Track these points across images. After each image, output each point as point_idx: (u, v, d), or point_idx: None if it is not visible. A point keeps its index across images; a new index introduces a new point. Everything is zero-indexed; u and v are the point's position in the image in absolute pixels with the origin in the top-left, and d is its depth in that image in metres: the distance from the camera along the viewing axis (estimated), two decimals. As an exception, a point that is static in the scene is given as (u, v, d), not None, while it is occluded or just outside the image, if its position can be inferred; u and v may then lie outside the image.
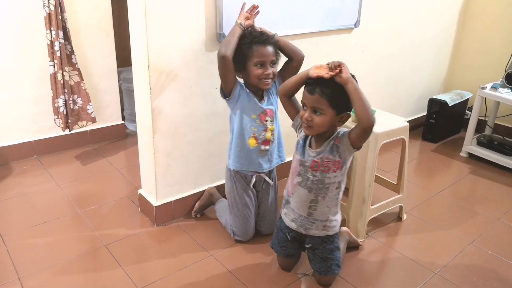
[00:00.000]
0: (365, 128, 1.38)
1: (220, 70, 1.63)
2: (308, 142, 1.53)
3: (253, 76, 1.66)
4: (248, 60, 1.64)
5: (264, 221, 1.90)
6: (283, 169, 2.37)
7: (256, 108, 1.72)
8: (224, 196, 1.96)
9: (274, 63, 1.68)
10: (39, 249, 1.78)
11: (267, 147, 1.78)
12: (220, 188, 2.04)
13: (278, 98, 1.76)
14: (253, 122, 1.73)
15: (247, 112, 1.71)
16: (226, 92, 1.69)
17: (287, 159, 2.31)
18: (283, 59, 1.77)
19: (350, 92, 1.36)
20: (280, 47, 1.71)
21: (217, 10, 1.78)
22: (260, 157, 1.78)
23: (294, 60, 1.74)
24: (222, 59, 1.59)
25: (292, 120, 1.61)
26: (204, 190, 2.07)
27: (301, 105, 1.50)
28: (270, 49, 1.64)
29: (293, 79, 1.51)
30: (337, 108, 1.42)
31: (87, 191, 2.25)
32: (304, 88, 1.47)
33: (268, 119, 1.75)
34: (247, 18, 1.68)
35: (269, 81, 1.67)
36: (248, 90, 1.72)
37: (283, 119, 2.32)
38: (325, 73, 1.38)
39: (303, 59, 1.75)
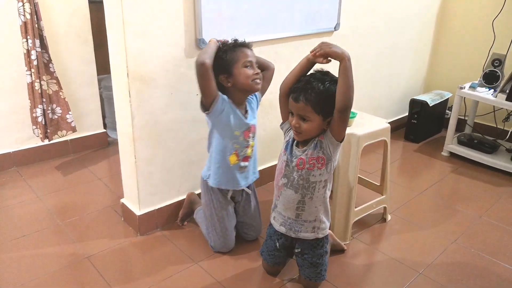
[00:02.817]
0: (340, 109, 1.38)
1: (199, 79, 1.56)
2: (296, 141, 1.54)
3: (244, 78, 1.59)
4: (235, 63, 1.59)
5: (251, 227, 1.89)
6: (265, 173, 2.37)
7: (242, 124, 1.67)
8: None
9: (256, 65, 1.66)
10: (19, 264, 1.74)
11: (246, 163, 1.75)
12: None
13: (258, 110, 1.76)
14: (236, 139, 1.67)
15: (231, 129, 1.65)
16: (206, 105, 1.61)
17: (272, 163, 2.32)
18: None
19: (339, 70, 1.38)
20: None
21: (195, 16, 1.77)
22: (239, 174, 1.74)
23: (267, 71, 1.75)
24: (200, 66, 1.52)
25: (284, 121, 1.59)
26: (188, 197, 2.04)
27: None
28: (251, 52, 1.64)
29: (294, 71, 1.50)
30: (323, 113, 1.43)
31: (68, 202, 2.20)
32: (290, 96, 1.47)
33: (251, 135, 1.72)
34: None
35: (259, 81, 1.64)
36: (233, 106, 1.65)
37: (267, 123, 2.31)
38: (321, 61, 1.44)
39: (274, 69, 1.78)
